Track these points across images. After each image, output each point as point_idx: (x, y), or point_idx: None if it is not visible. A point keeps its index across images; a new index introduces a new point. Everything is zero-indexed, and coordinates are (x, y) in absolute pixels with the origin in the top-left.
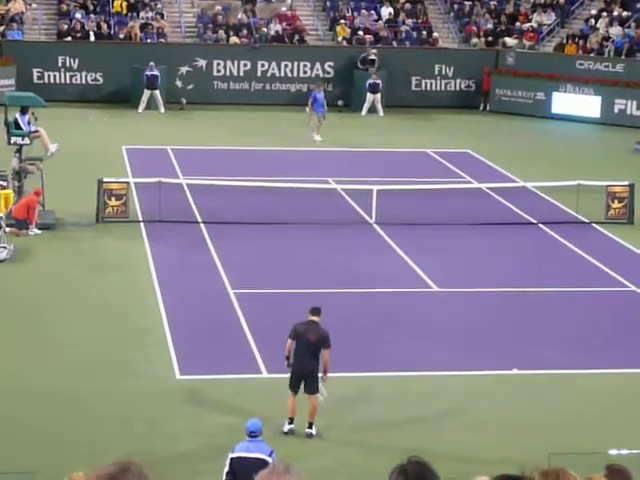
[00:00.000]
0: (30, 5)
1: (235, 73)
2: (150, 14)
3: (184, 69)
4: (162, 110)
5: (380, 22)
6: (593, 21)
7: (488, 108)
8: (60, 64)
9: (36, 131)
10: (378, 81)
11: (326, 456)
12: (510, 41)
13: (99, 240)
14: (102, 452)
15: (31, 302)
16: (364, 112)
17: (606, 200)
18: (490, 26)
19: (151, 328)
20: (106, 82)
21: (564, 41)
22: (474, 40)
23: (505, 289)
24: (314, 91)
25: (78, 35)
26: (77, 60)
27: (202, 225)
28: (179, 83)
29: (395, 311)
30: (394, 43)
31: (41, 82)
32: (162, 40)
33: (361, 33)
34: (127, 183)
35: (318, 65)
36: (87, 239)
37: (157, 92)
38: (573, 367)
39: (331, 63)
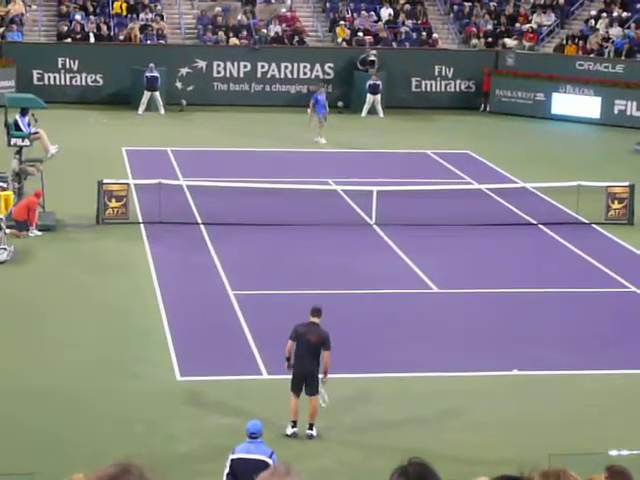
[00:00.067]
0: (30, 7)
1: (235, 74)
2: (150, 15)
3: (184, 70)
4: (162, 111)
5: (380, 23)
6: (593, 22)
7: (488, 109)
8: (60, 65)
9: (36, 132)
10: (378, 82)
11: (326, 456)
12: (510, 42)
13: (99, 241)
14: (102, 453)
15: (31, 303)
16: (364, 113)
17: (606, 201)
18: (490, 27)
19: (151, 329)
20: (106, 84)
21: (564, 42)
22: (474, 41)
23: (505, 290)
24: (316, 93)
25: (78, 37)
26: (77, 61)
27: (202, 226)
28: (179, 84)
29: (395, 312)
30: (394, 44)
31: (41, 84)
32: (162, 41)
33: (361, 34)
34: (127, 184)
35: (318, 66)
36: (87, 240)
37: (157, 93)
38: (573, 368)
39: (331, 64)
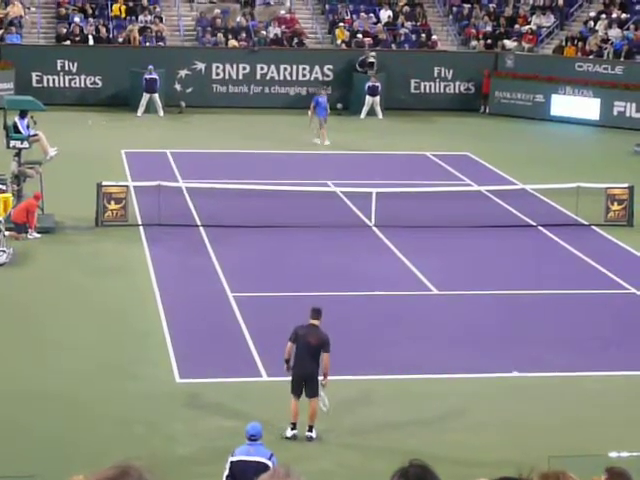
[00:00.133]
0: (29, 9)
1: (234, 76)
2: (149, 17)
3: (183, 72)
4: (161, 113)
5: (379, 25)
6: (592, 23)
7: (487, 110)
8: (59, 68)
9: (35, 135)
10: (377, 84)
11: (326, 459)
12: (509, 43)
13: (98, 244)
14: (102, 455)
15: (30, 306)
16: (363, 115)
17: (605, 202)
18: (489, 29)
19: (151, 331)
20: (105, 86)
21: (563, 43)
22: (473, 43)
23: (505, 291)
24: (317, 95)
25: (77, 39)
26: (76, 64)
27: (201, 228)
28: (178, 86)
29: (395, 313)
30: (393, 46)
31: (40, 86)
32: (161, 43)
33: (360, 36)
34: (126, 187)
35: (317, 68)
36: (86, 243)
37: (156, 95)
38: (573, 369)
39: (330, 66)
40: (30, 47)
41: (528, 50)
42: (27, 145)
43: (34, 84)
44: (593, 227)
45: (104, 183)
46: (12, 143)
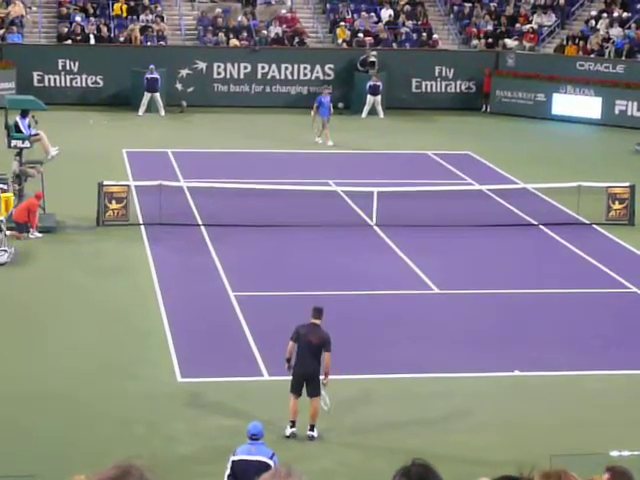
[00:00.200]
0: (30, 8)
1: (235, 76)
2: (150, 17)
3: (184, 72)
4: (162, 113)
5: (380, 24)
6: (593, 22)
7: (488, 110)
8: (60, 67)
9: (36, 134)
10: (378, 83)
11: (327, 458)
12: (510, 42)
13: (100, 243)
14: (103, 455)
15: (32, 305)
16: (364, 114)
17: (607, 201)
18: (490, 28)
19: (152, 331)
20: (106, 85)
21: (564, 42)
22: (474, 42)
23: (506, 290)
24: (320, 95)
25: (78, 38)
26: (77, 63)
27: (203, 228)
28: (179, 86)
29: (396, 313)
30: (394, 45)
31: (41, 85)
32: (162, 43)
33: (361, 35)
34: (127, 186)
35: (318, 67)
36: (88, 242)
37: (157, 95)
38: (574, 368)
39: (331, 65)
40: (31, 46)
41: (529, 49)
42: (28, 145)
43: (35, 83)
44: (594, 226)
45: (105, 182)
46: (13, 143)
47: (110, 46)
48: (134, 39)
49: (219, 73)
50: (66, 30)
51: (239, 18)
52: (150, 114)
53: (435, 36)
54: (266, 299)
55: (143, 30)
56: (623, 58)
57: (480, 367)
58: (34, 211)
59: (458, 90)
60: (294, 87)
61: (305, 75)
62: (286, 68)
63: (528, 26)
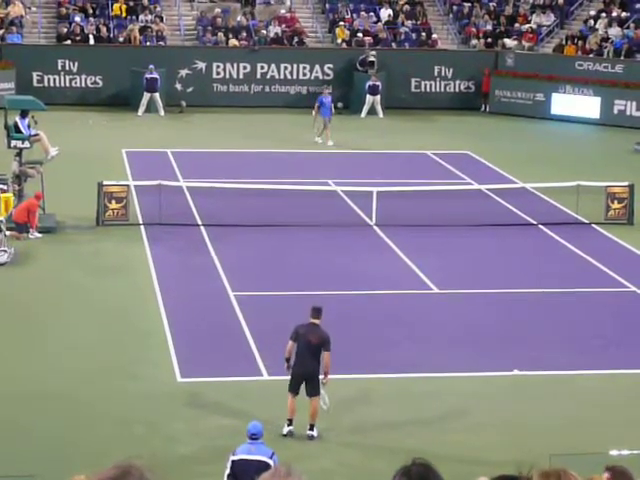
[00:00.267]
0: (29, 8)
1: (234, 76)
2: (149, 17)
3: (184, 72)
4: (162, 113)
5: (379, 24)
6: (592, 22)
7: (488, 109)
8: (60, 67)
9: (36, 134)
10: (378, 83)
11: (326, 457)
12: (509, 42)
13: (99, 243)
14: (103, 454)
15: (31, 305)
16: (364, 114)
17: (606, 201)
18: (489, 27)
19: (152, 331)
20: (106, 85)
21: (563, 42)
22: (473, 41)
23: (505, 290)
24: (321, 95)
25: (77, 38)
26: (77, 63)
27: (202, 228)
28: (179, 86)
29: (395, 312)
30: (393, 45)
31: (41, 85)
32: (161, 43)
33: (360, 35)
34: (127, 186)
35: (317, 67)
36: (87, 242)
37: (157, 95)
38: (573, 368)
39: (330, 65)
40: (31, 47)
41: (528, 49)
42: (28, 145)
43: (35, 84)
44: (593, 225)
45: (105, 182)
46: (13, 143)
47: (109, 46)
48: (133, 39)
49: (218, 73)
50: (65, 30)
51: (238, 18)
52: (150, 114)
53: (434, 36)
54: (266, 299)
55: (142, 30)
56: (622, 58)
57: (479, 367)
58: (34, 211)
59: (457, 90)
60: (293, 87)
61: (304, 75)
62: (285, 68)
63: (527, 26)
